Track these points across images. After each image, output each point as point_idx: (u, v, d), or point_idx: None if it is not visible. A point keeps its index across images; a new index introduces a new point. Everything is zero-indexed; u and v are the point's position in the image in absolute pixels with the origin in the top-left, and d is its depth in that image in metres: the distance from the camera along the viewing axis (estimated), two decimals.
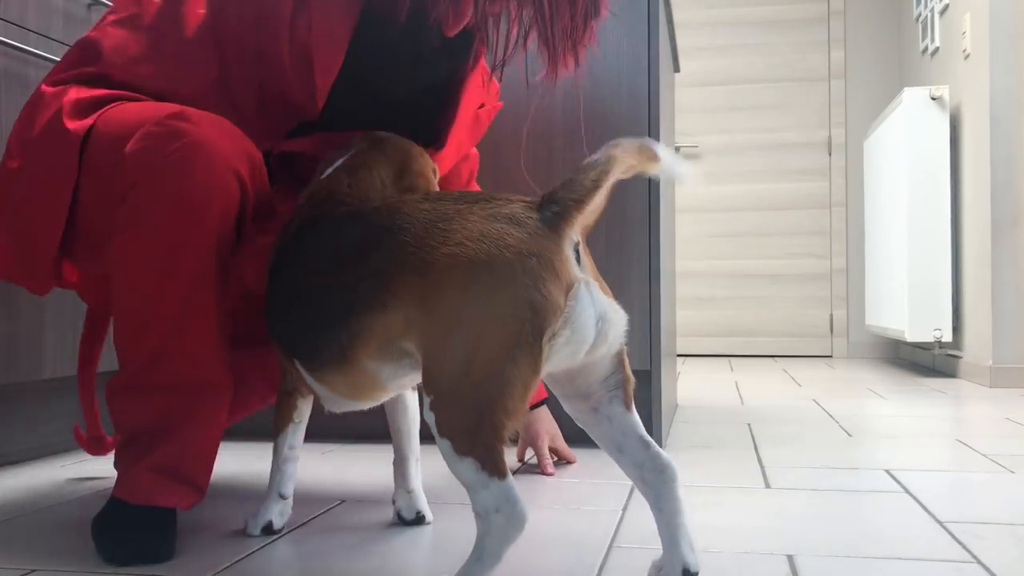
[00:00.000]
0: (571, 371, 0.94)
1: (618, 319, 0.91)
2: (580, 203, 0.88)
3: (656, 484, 0.91)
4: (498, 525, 0.84)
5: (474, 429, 0.86)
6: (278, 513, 1.19)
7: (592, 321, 0.88)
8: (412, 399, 1.26)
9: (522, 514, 0.84)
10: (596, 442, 0.96)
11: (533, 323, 0.85)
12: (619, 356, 0.94)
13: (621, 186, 1.82)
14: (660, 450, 0.92)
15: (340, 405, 1.10)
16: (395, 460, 1.25)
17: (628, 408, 0.94)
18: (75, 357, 1.78)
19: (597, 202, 0.89)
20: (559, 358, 0.87)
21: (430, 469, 1.64)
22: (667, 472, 0.91)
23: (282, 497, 1.19)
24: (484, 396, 0.85)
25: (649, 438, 0.93)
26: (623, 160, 0.88)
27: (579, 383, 0.95)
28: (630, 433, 0.93)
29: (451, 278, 0.88)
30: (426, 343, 0.90)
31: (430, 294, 0.89)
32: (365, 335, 0.95)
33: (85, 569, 1.04)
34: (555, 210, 0.89)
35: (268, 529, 1.18)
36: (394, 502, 1.25)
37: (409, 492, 1.24)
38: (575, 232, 0.90)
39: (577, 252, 0.90)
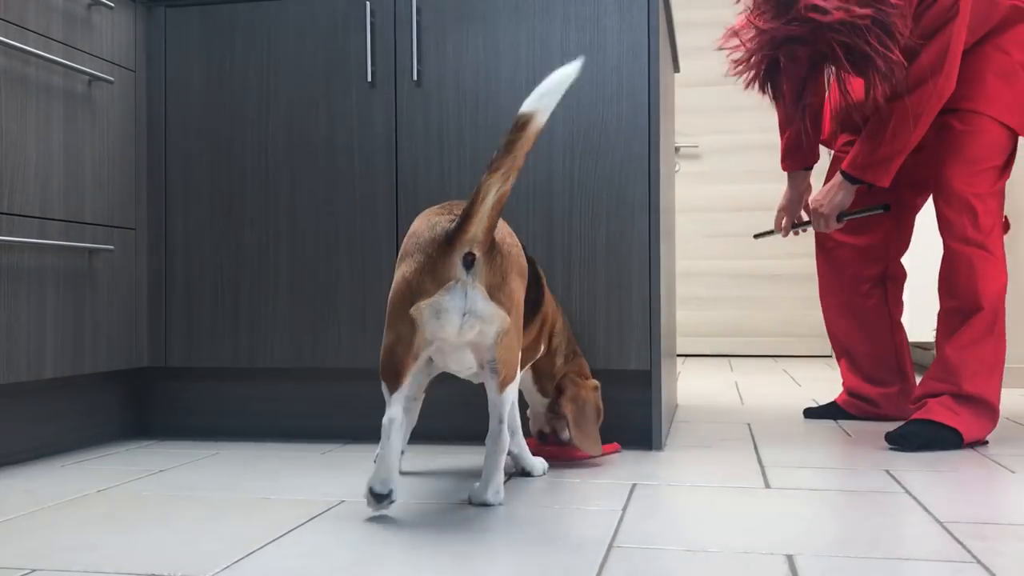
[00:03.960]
0: (469, 345, 1.31)
1: (490, 318, 1.26)
2: (467, 221, 1.22)
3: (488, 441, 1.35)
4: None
5: (382, 364, 1.29)
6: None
7: (456, 310, 1.23)
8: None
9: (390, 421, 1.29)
10: None
11: (406, 295, 1.25)
12: (493, 351, 1.29)
13: (621, 186, 1.82)
14: (501, 428, 1.33)
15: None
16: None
17: (499, 391, 1.32)
18: (75, 357, 1.78)
19: (491, 215, 1.22)
20: (431, 328, 1.24)
21: (431, 471, 1.63)
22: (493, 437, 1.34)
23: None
24: (386, 343, 1.29)
25: (501, 415, 1.33)
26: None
27: (477, 359, 1.34)
28: (492, 409, 1.34)
29: None
30: None
31: None
32: None
33: (85, 569, 1.05)
34: (456, 223, 1.24)
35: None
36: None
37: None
38: (467, 244, 1.23)
39: (471, 260, 1.24)
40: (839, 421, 2.27)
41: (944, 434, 1.83)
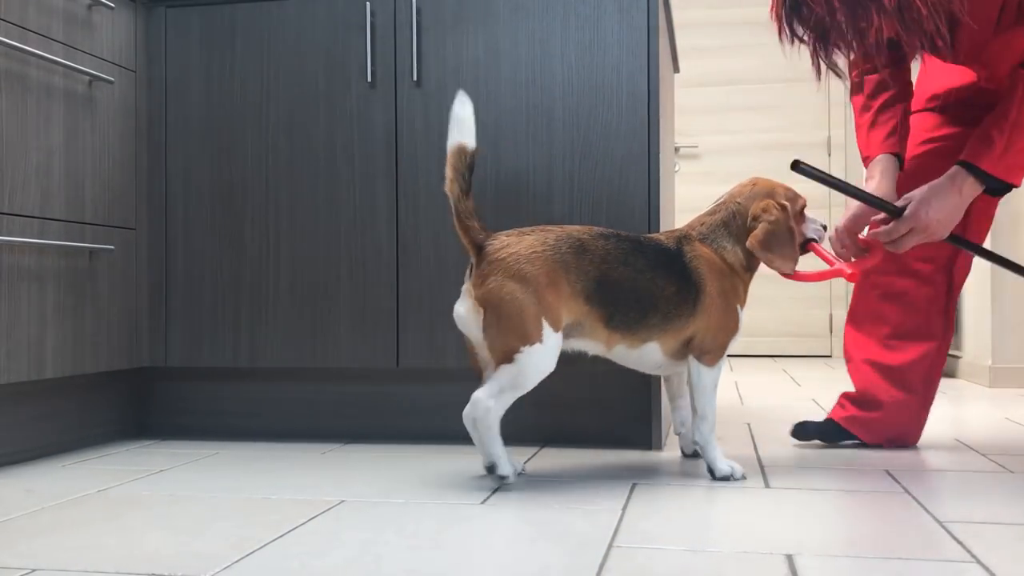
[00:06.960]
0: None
1: (466, 314, 1.45)
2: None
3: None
4: None
5: None
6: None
7: (456, 313, 1.48)
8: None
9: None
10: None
11: None
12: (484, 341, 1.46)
13: (621, 186, 1.82)
14: (482, 405, 1.44)
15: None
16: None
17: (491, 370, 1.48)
18: (75, 357, 1.78)
19: (461, 228, 1.46)
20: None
21: (448, 466, 1.64)
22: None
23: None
24: None
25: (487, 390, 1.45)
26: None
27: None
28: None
29: None
30: None
31: None
32: None
33: (85, 569, 1.05)
34: None
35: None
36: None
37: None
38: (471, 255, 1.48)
39: (470, 269, 1.47)
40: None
41: None
